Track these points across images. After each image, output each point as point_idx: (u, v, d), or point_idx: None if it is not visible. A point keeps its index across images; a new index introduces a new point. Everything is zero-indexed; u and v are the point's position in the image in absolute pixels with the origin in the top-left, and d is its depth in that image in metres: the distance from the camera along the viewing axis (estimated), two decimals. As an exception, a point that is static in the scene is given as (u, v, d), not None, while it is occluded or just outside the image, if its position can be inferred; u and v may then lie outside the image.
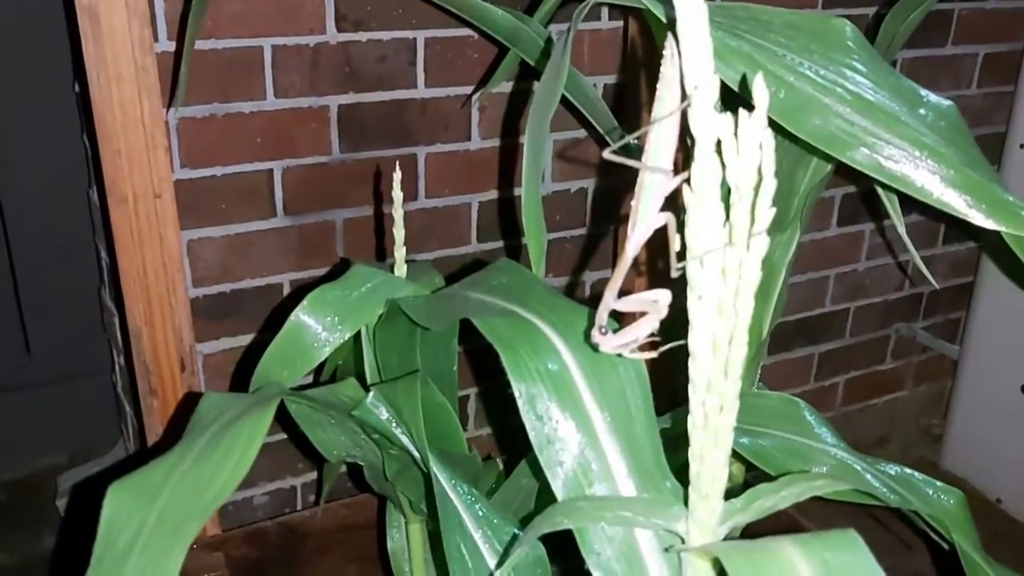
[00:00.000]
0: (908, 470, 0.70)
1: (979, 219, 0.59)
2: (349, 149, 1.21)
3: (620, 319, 0.55)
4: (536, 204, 0.66)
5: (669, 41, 0.50)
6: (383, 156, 1.22)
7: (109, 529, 0.53)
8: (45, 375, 1.53)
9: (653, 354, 0.54)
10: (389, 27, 1.18)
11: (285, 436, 1.29)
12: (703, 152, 0.49)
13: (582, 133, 1.32)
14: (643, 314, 0.53)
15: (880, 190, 0.83)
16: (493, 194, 1.30)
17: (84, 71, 0.92)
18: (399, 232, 0.78)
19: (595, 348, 0.53)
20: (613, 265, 1.38)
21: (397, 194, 0.77)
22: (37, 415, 1.55)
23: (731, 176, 0.48)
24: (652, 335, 0.54)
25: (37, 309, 1.51)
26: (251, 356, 1.21)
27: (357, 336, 0.77)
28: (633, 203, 0.52)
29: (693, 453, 0.53)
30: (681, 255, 0.51)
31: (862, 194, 1.55)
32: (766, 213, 0.48)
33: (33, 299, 1.51)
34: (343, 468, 1.27)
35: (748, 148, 0.48)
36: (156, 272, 0.98)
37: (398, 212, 0.77)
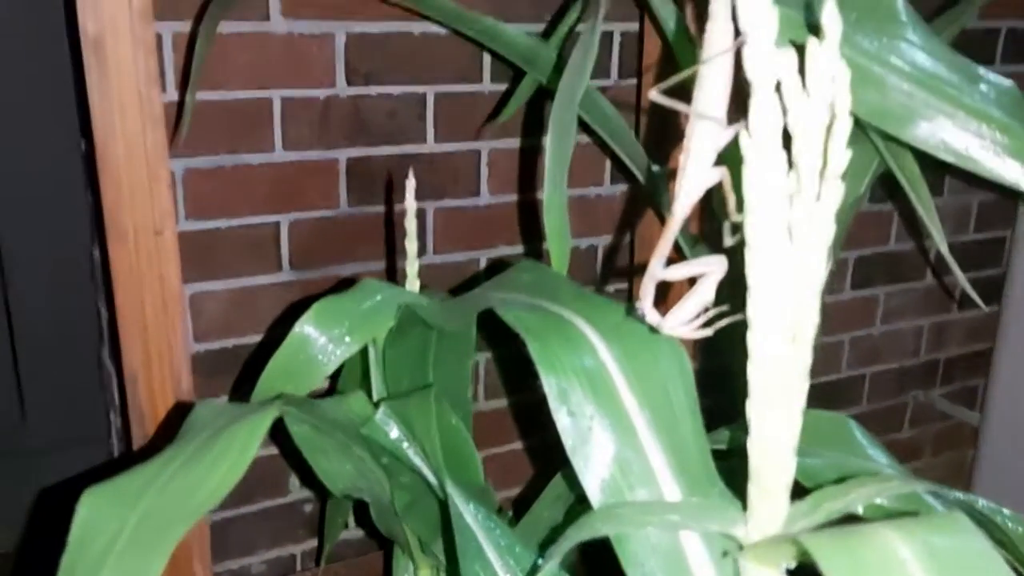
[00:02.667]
0: (972, 496, 0.61)
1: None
2: (357, 203, 1.15)
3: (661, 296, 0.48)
4: (560, 202, 0.59)
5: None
6: (392, 211, 1.16)
7: (82, 536, 0.44)
8: (41, 441, 1.43)
9: (708, 331, 0.46)
10: (399, 81, 1.13)
11: (284, 500, 1.19)
12: (762, 95, 0.42)
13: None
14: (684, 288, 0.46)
15: (916, 201, 0.76)
16: (502, 250, 1.23)
17: (88, 111, 0.87)
18: (411, 244, 0.71)
19: (654, 329, 0.45)
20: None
21: (410, 203, 0.70)
22: (33, 482, 1.45)
23: (795, 119, 0.42)
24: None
25: (35, 374, 1.43)
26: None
27: (364, 355, 0.69)
28: (681, 158, 0.45)
29: (754, 441, 0.44)
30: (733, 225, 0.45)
31: (875, 256, 1.49)
32: (841, 155, 0.41)
33: (31, 364, 1.43)
34: (344, 530, 1.17)
35: (819, 80, 0.41)
36: (155, 312, 0.90)
37: (411, 222, 0.70)
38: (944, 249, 0.78)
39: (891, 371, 1.60)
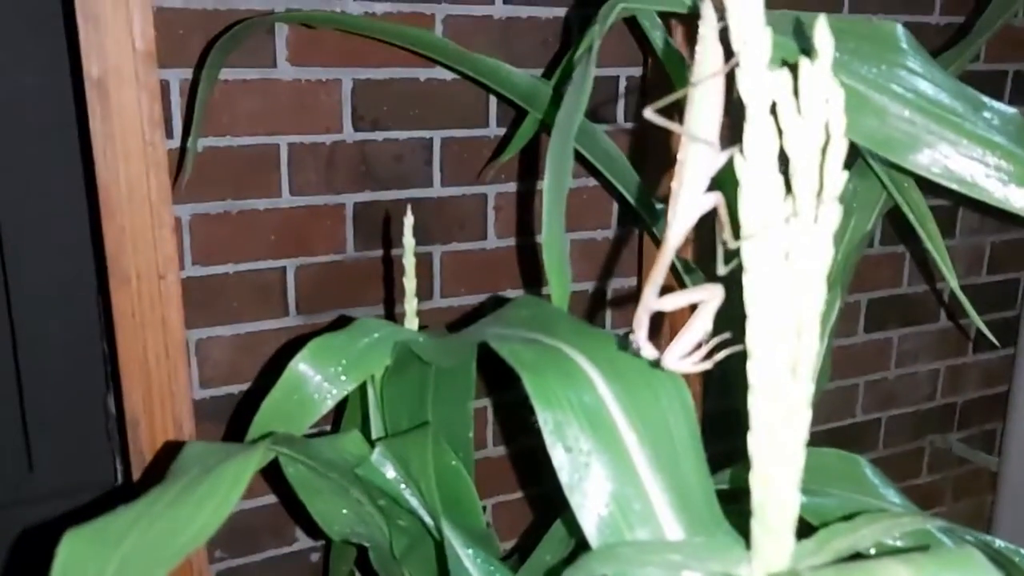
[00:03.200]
0: (988, 536, 0.59)
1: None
2: (364, 247, 1.14)
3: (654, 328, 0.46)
4: (559, 236, 0.58)
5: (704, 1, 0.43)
6: (398, 254, 1.15)
7: (60, 578, 0.43)
8: (47, 489, 1.41)
9: (708, 365, 0.44)
10: (406, 127, 1.13)
11: (290, 549, 1.17)
12: (756, 116, 0.41)
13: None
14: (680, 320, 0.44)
15: (926, 237, 0.74)
16: (510, 293, 1.22)
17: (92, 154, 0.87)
18: (410, 282, 0.69)
19: (655, 364, 0.43)
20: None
21: (408, 240, 0.69)
22: (39, 530, 1.43)
23: (791, 140, 0.40)
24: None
25: (41, 422, 1.41)
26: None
27: (363, 393, 0.67)
28: (674, 184, 0.43)
29: (756, 476, 0.42)
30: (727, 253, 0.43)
31: (888, 298, 1.47)
32: (837, 177, 0.40)
33: (37, 412, 1.41)
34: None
35: (813, 101, 0.39)
36: (158, 357, 0.90)
37: (409, 260, 0.69)
38: (955, 285, 0.76)
39: (907, 415, 1.57)
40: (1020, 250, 1.55)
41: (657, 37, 0.84)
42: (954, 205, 1.46)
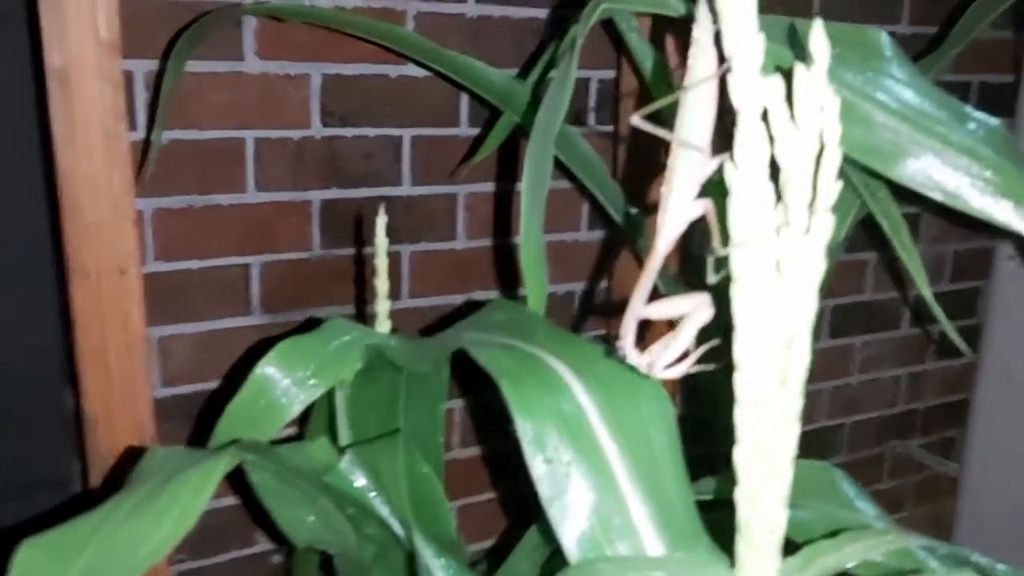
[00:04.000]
0: (965, 550, 0.58)
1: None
2: (331, 245, 1.12)
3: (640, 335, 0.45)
4: (536, 240, 0.56)
5: (700, 3, 0.42)
6: (366, 253, 1.13)
7: (13, 594, 0.40)
8: (1, 488, 1.37)
9: (694, 370, 0.42)
10: (375, 123, 1.11)
11: (251, 550, 1.14)
12: (748, 122, 0.40)
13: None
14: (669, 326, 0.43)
15: (899, 247, 0.74)
16: (479, 294, 1.20)
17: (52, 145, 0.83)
18: (382, 283, 0.67)
19: (635, 369, 0.42)
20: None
21: (381, 240, 0.67)
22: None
23: (783, 148, 0.39)
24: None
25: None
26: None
27: (331, 399, 0.65)
28: (663, 190, 0.42)
29: (742, 492, 0.41)
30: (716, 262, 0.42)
31: (853, 305, 1.47)
32: (831, 186, 0.38)
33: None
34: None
35: (807, 108, 0.38)
36: (117, 354, 0.87)
37: (382, 261, 0.67)
38: (927, 294, 0.76)
39: (870, 421, 1.57)
40: (981, 259, 1.56)
41: (634, 40, 0.83)
42: (917, 214, 1.46)
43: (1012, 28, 1.41)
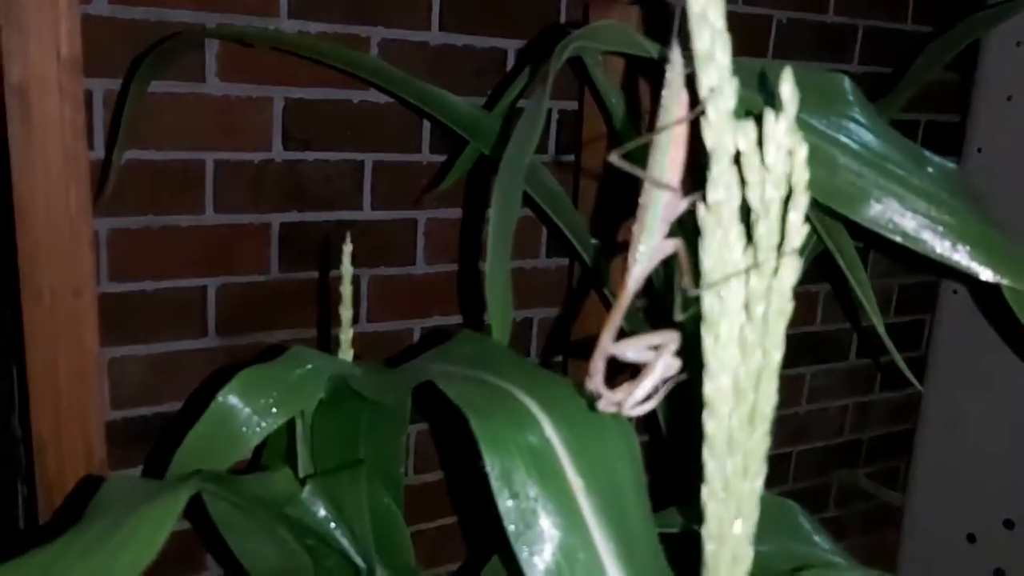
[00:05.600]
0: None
1: (991, 277, 0.51)
2: (289, 269, 1.10)
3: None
4: (503, 272, 0.56)
5: (673, 44, 0.42)
6: (326, 278, 1.12)
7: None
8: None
9: (651, 405, 0.42)
10: (336, 148, 1.10)
11: (202, 578, 1.12)
12: (720, 165, 0.40)
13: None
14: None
15: (854, 282, 0.75)
16: (438, 320, 1.20)
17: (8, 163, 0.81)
18: (346, 312, 0.66)
19: (613, 409, 0.41)
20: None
21: (347, 268, 0.66)
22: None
23: (754, 192, 0.39)
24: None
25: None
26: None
27: (288, 428, 0.64)
28: (635, 228, 0.42)
29: (709, 529, 0.41)
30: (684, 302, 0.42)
31: (802, 335, 1.49)
32: (799, 229, 0.39)
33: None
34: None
35: (776, 153, 0.39)
36: (69, 377, 0.84)
37: (347, 288, 0.66)
38: (881, 329, 0.77)
39: (816, 450, 1.59)
40: (926, 293, 1.59)
41: (598, 74, 0.84)
42: (865, 248, 1.49)
43: (957, 70, 1.45)
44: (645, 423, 1.19)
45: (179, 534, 1.08)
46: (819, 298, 1.50)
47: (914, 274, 1.57)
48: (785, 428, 1.53)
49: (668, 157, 0.41)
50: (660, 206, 0.41)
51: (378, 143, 1.12)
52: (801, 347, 1.50)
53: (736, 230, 0.40)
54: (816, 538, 0.60)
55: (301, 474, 0.65)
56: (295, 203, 1.09)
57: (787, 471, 1.57)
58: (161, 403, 1.06)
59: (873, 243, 1.46)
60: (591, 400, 0.42)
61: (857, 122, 0.53)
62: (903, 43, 1.45)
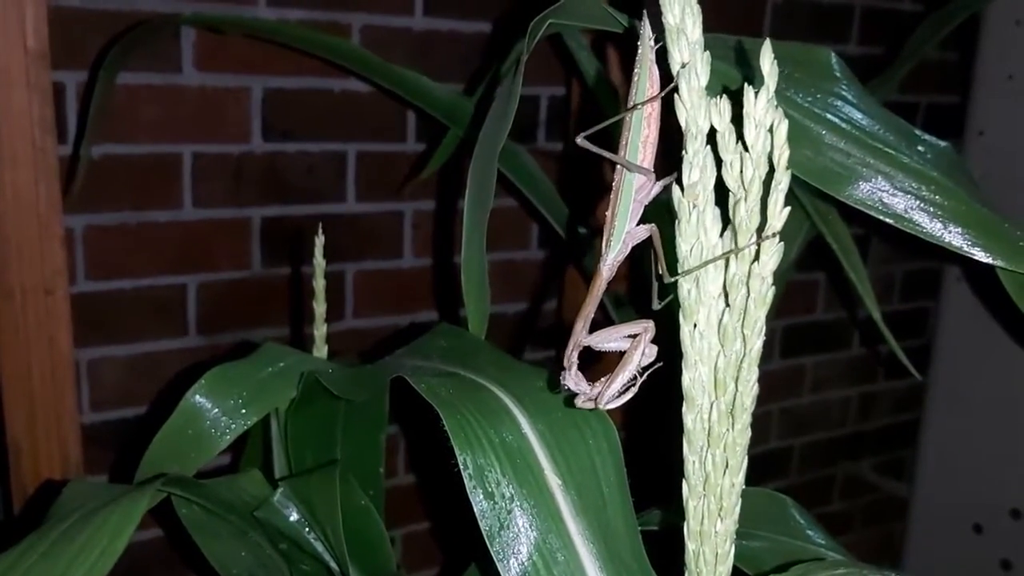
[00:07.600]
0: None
1: (984, 258, 0.49)
2: (271, 265, 1.09)
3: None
4: (479, 259, 0.55)
5: (644, 18, 0.41)
6: (308, 272, 1.11)
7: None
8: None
9: (628, 396, 0.41)
10: (319, 138, 1.09)
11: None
12: (694, 145, 0.39)
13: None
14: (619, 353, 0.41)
15: (848, 268, 0.73)
16: (426, 315, 1.18)
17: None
18: (319, 306, 0.65)
19: (589, 404, 0.40)
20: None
21: (319, 261, 0.65)
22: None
23: (731, 171, 0.38)
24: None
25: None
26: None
27: (265, 427, 0.62)
28: (607, 214, 0.41)
29: (690, 528, 0.40)
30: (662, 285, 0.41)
31: (803, 325, 1.48)
32: (780, 211, 0.38)
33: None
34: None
35: (756, 129, 0.37)
36: (43, 378, 0.83)
37: (319, 282, 0.65)
38: (877, 316, 0.76)
39: (820, 442, 1.58)
40: (930, 280, 1.58)
41: (584, 58, 0.82)
42: (866, 235, 1.48)
43: (958, 50, 1.43)
44: (625, 415, 1.18)
45: (156, 541, 1.07)
46: (819, 286, 1.49)
47: (917, 260, 1.55)
48: (787, 420, 1.52)
49: (640, 137, 0.40)
50: (633, 189, 0.40)
51: (361, 132, 1.10)
52: (802, 337, 1.49)
53: (712, 212, 0.38)
54: (810, 532, 0.59)
55: (277, 475, 0.64)
56: (276, 196, 1.08)
57: (790, 464, 1.55)
58: (141, 405, 1.05)
59: (874, 229, 1.45)
60: (566, 395, 0.41)
61: (844, 99, 0.52)
62: (901, 23, 1.44)
